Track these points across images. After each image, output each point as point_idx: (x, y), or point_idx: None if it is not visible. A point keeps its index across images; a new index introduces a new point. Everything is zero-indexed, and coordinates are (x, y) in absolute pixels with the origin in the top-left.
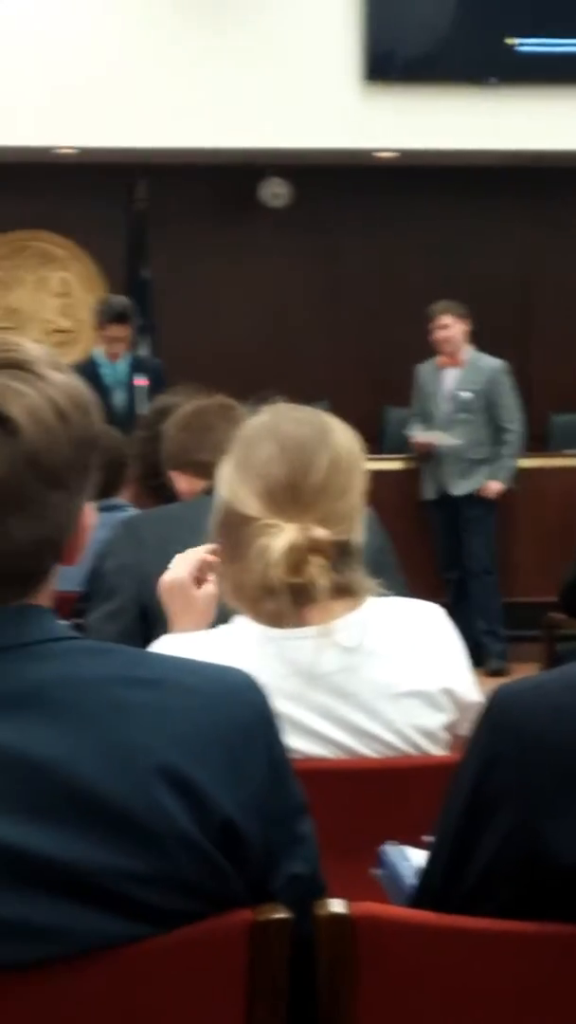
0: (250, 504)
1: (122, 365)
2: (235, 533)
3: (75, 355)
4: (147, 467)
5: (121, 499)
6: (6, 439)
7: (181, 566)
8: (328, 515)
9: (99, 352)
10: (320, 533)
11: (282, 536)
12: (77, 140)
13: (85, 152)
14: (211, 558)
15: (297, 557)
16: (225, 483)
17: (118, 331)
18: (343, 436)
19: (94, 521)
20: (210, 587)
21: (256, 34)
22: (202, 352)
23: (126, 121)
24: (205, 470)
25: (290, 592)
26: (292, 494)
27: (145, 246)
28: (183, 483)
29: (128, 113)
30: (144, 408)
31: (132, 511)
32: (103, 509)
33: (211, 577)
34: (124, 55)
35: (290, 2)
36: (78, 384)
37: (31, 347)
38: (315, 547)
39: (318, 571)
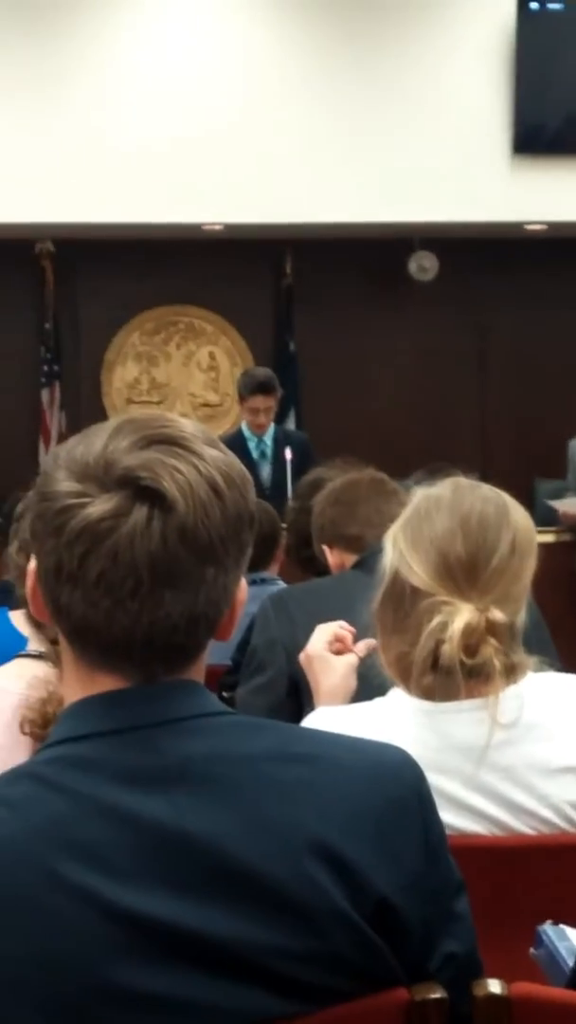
0: (421, 576)
1: (268, 438)
2: (400, 604)
3: (222, 430)
4: (298, 539)
5: (270, 572)
6: (161, 515)
7: (317, 637)
8: (503, 597)
9: (245, 426)
10: (498, 616)
11: (460, 616)
12: (225, 217)
13: (232, 228)
14: (346, 633)
15: (474, 638)
16: (395, 552)
17: (260, 402)
18: (522, 516)
19: (244, 591)
20: (351, 657)
21: (404, 109)
22: (349, 425)
23: (273, 197)
24: (355, 544)
25: (459, 670)
26: (471, 572)
27: (292, 320)
28: (333, 557)
29: (274, 189)
30: (291, 482)
31: (281, 585)
32: (252, 583)
33: (352, 647)
34: (271, 132)
35: (439, 77)
36: (232, 460)
37: (185, 423)
38: (491, 629)
39: (493, 653)
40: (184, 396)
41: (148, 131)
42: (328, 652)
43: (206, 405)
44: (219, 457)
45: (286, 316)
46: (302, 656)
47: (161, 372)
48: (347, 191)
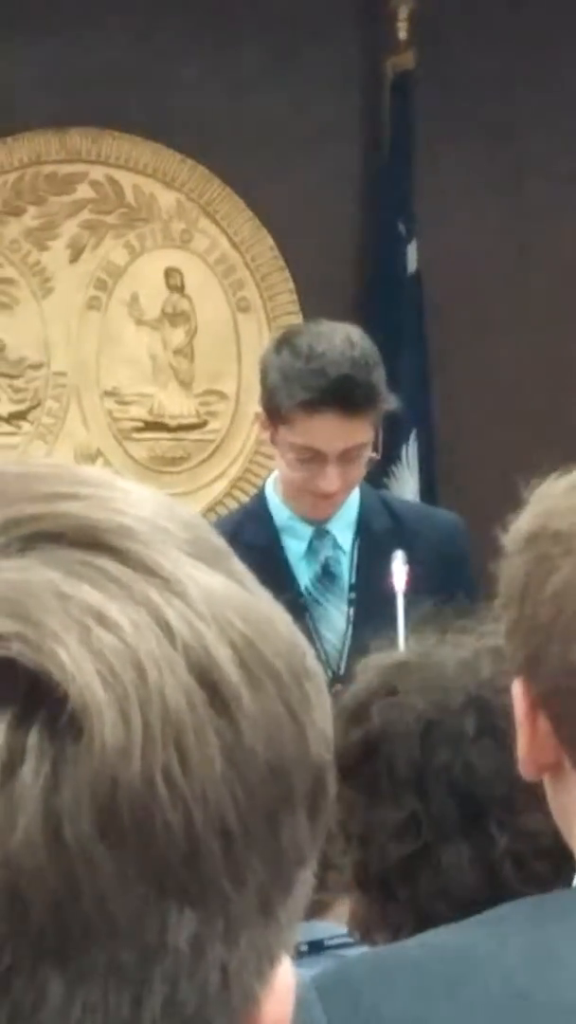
0: None
1: (343, 526)
2: None
3: (210, 496)
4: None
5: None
6: (46, 752)
7: None
8: None
9: (279, 489)
10: None
11: None
12: None
13: None
14: None
15: None
16: None
17: (332, 431)
18: None
19: (290, 991)
20: None
21: None
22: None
23: None
24: None
25: None
26: None
27: (411, 162)
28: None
29: None
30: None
31: (358, 951)
32: (308, 951)
33: None
34: None
35: None
36: (254, 602)
37: (115, 490)
38: None
39: None
40: (92, 395)
41: None
42: None
43: (158, 425)
44: (221, 591)
45: (395, 154)
46: None
47: (19, 326)
48: None
